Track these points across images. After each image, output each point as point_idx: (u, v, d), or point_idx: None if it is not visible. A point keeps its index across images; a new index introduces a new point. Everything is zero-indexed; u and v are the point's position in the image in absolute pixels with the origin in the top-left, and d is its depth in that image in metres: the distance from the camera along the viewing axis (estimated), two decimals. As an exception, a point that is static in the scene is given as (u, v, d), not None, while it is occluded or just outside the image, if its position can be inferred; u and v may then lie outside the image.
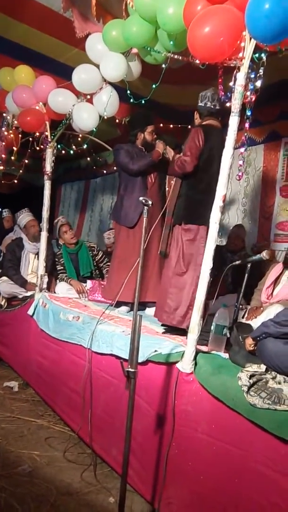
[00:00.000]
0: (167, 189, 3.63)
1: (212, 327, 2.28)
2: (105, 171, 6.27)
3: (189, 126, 2.99)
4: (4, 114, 4.18)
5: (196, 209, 2.65)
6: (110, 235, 4.98)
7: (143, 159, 3.44)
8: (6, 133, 4.21)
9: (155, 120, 3.55)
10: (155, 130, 3.52)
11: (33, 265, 4.29)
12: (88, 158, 5.22)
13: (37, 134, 3.82)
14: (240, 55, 1.96)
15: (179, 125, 3.57)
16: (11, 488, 2.24)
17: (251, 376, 1.83)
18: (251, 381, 1.80)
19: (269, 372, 1.88)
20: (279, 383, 1.81)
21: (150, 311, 3.51)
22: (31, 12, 3.26)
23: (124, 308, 3.46)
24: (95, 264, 4.42)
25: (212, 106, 2.78)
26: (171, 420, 2.07)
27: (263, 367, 1.90)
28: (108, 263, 4.45)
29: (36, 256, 4.26)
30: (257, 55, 1.93)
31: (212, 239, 2.04)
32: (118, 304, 3.47)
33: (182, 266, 2.69)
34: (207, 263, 2.04)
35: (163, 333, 2.73)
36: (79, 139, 3.81)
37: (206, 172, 2.67)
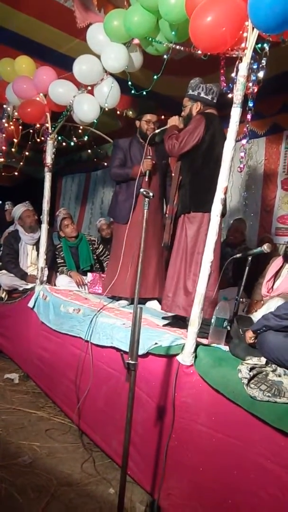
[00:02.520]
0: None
1: (213, 320, 2.28)
2: (106, 164, 6.24)
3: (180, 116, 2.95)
4: (5, 106, 4.15)
5: (202, 196, 2.61)
6: (102, 220, 5.16)
7: (122, 170, 3.43)
8: (6, 124, 4.19)
9: (156, 111, 3.49)
10: (156, 121, 3.45)
11: (32, 256, 4.29)
12: (89, 150, 5.20)
13: (38, 125, 3.80)
14: (243, 45, 1.94)
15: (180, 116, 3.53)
16: (11, 479, 2.25)
17: (251, 369, 1.83)
18: (251, 373, 1.80)
19: (269, 365, 1.88)
20: (279, 375, 1.81)
21: (150, 304, 3.52)
22: (32, 2, 3.24)
23: (124, 302, 3.46)
24: (95, 257, 4.41)
25: (210, 99, 2.80)
26: (171, 412, 2.08)
27: (263, 360, 1.90)
28: (109, 256, 4.45)
29: (34, 247, 4.25)
30: (259, 45, 1.91)
31: (214, 232, 2.03)
32: (119, 297, 3.48)
33: (188, 256, 2.69)
34: (208, 256, 2.03)
35: (164, 325, 2.73)
36: (80, 131, 3.79)
37: (209, 159, 2.67)
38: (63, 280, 4.09)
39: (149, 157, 3.34)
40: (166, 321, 2.83)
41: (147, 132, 3.37)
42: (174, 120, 2.97)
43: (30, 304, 3.69)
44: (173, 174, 3.07)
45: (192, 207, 2.72)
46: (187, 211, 2.74)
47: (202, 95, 2.80)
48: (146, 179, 3.35)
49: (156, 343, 2.27)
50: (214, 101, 2.81)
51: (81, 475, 2.39)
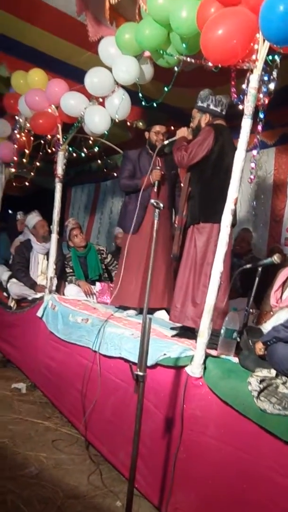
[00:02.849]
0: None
1: (222, 331, 2.26)
2: (115, 174, 6.28)
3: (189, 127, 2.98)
4: (17, 117, 4.22)
5: (212, 206, 2.62)
6: (119, 229, 5.14)
7: (131, 181, 3.47)
8: (18, 135, 4.25)
9: (166, 122, 3.53)
10: (166, 132, 3.47)
11: (43, 265, 4.32)
12: (99, 161, 5.24)
13: (49, 137, 3.85)
14: (254, 57, 1.95)
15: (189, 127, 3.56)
16: (17, 490, 2.23)
17: (261, 381, 1.80)
18: (261, 386, 1.77)
19: (280, 377, 1.85)
20: (290, 388, 1.78)
21: (159, 314, 3.51)
22: (45, 16, 3.30)
23: (132, 311, 3.45)
24: (104, 267, 4.42)
25: (219, 110, 2.82)
26: (179, 424, 2.05)
27: (273, 372, 1.88)
28: (117, 266, 4.46)
29: (45, 256, 4.28)
30: (270, 57, 1.92)
31: (224, 242, 2.02)
32: (127, 307, 3.47)
33: (198, 267, 2.68)
34: (217, 266, 2.02)
35: (173, 336, 2.71)
36: (91, 142, 3.83)
37: (218, 169, 2.68)
38: (71, 290, 4.10)
39: (157, 167, 3.36)
40: (174, 332, 2.82)
41: (156, 143, 3.39)
42: (183, 132, 2.98)
43: (39, 314, 3.69)
44: (182, 185, 3.08)
45: (201, 218, 2.72)
46: (197, 222, 2.74)
47: (212, 107, 2.81)
48: (155, 190, 3.37)
49: (164, 354, 2.25)
50: (223, 113, 2.83)
51: (87, 488, 2.36)
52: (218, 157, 2.70)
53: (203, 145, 2.69)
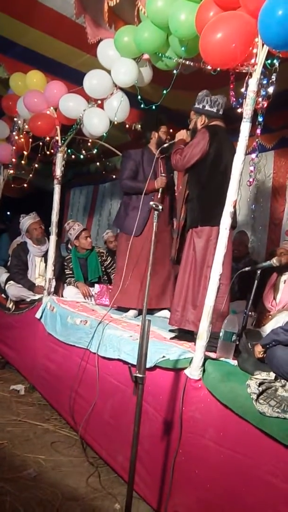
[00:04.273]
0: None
1: (221, 334, 2.26)
2: (114, 176, 6.29)
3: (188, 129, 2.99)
4: (15, 119, 4.22)
5: (210, 209, 2.59)
6: (109, 233, 5.28)
7: (134, 184, 3.45)
8: (16, 137, 4.25)
9: (167, 122, 3.55)
10: (168, 132, 3.53)
11: (40, 268, 4.31)
12: (98, 163, 5.24)
13: (48, 138, 3.85)
14: (252, 61, 1.96)
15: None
16: (16, 492, 2.23)
17: (260, 384, 1.81)
18: (260, 389, 1.78)
19: (279, 380, 1.86)
20: (289, 391, 1.79)
21: (161, 313, 3.56)
22: (44, 18, 3.30)
23: (131, 313, 3.45)
24: (103, 269, 4.41)
25: (215, 111, 2.80)
26: (178, 426, 2.05)
27: (272, 375, 1.88)
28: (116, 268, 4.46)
29: (42, 259, 4.28)
30: (269, 61, 1.93)
31: (223, 245, 2.02)
32: (126, 309, 3.47)
33: (197, 270, 2.68)
34: (216, 269, 2.02)
35: (171, 338, 2.71)
36: (89, 144, 3.83)
37: (216, 172, 2.66)
38: (70, 291, 4.09)
39: (163, 175, 3.40)
40: (173, 334, 2.82)
41: (166, 141, 3.43)
42: (182, 134, 2.99)
43: (37, 315, 3.69)
44: (179, 187, 3.09)
45: (200, 221, 2.71)
46: (195, 225, 2.73)
47: (207, 107, 2.80)
48: (159, 196, 3.39)
49: (163, 356, 2.25)
50: (220, 113, 2.80)
51: (86, 490, 2.36)
52: (214, 159, 2.68)
53: (197, 148, 2.68)
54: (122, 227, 3.58)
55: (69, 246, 4.41)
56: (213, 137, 2.68)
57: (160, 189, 3.38)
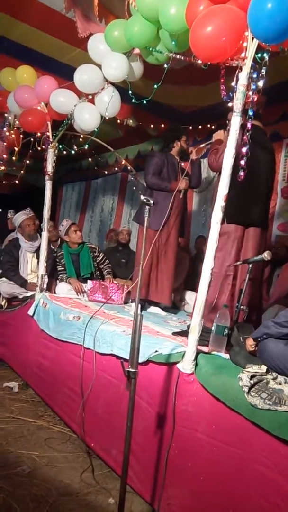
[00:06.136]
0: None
1: (213, 328, 2.27)
2: (106, 172, 6.27)
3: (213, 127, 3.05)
4: (6, 114, 4.18)
5: (238, 208, 2.53)
6: (125, 227, 5.40)
7: (161, 181, 3.69)
8: (7, 133, 4.22)
9: (185, 131, 3.90)
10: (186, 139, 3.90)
11: (32, 264, 4.30)
12: (89, 159, 5.22)
13: (39, 134, 3.82)
14: (242, 55, 1.96)
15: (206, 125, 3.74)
16: (10, 489, 2.23)
17: (251, 377, 1.82)
18: (251, 381, 1.79)
19: (270, 373, 1.87)
20: (280, 383, 1.80)
21: (153, 309, 3.60)
22: (33, 12, 3.27)
23: (153, 309, 3.71)
24: (95, 265, 4.41)
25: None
26: (171, 420, 2.06)
27: (263, 368, 1.89)
28: (109, 265, 4.46)
29: (34, 255, 4.26)
30: (259, 55, 1.93)
31: (214, 239, 2.03)
32: (149, 304, 3.74)
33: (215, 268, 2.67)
34: (208, 263, 2.03)
35: (174, 334, 2.71)
36: (81, 139, 3.81)
37: (248, 172, 2.62)
38: (63, 288, 4.08)
39: (186, 178, 3.70)
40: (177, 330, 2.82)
41: (186, 149, 3.82)
42: (219, 135, 2.96)
43: (30, 312, 3.68)
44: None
45: (227, 219, 2.59)
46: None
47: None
48: (181, 196, 3.74)
49: (156, 351, 2.26)
50: (259, 112, 2.72)
51: (80, 485, 2.37)
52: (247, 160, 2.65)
53: None
54: (142, 222, 3.72)
55: (65, 239, 4.41)
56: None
57: (183, 191, 3.71)
